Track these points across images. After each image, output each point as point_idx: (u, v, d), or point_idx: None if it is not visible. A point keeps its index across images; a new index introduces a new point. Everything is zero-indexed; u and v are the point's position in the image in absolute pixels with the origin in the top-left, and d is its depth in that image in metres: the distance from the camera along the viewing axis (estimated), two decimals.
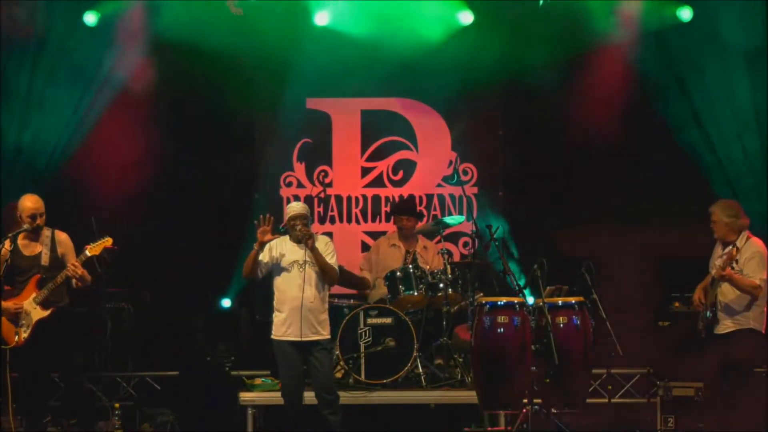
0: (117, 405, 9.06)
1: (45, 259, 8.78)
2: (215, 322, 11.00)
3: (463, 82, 11.39)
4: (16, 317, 8.69)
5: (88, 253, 8.72)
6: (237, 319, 11.10)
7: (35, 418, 8.98)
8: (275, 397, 9.23)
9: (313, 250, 8.58)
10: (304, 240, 8.57)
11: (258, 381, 9.91)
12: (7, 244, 8.68)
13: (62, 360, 8.82)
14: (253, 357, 10.40)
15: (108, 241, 8.75)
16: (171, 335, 10.83)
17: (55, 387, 9.60)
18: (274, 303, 8.74)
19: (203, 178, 11.34)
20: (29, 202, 8.79)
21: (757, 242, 8.85)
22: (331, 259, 8.70)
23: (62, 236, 8.88)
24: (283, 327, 8.62)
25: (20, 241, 8.78)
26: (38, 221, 8.75)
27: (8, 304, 8.68)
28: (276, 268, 8.70)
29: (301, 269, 8.63)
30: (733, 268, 8.66)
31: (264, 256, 8.67)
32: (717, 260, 8.87)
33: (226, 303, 11.13)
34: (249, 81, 11.41)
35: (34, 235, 8.79)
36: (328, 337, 8.77)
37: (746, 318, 8.76)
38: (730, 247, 8.74)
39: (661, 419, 9.57)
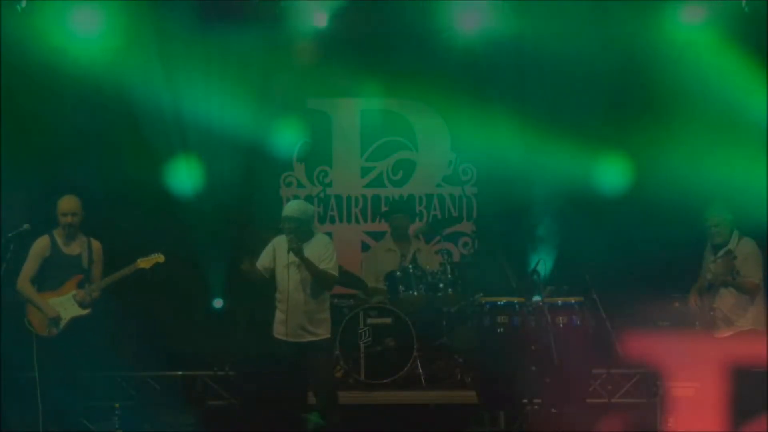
0: (117, 405, 9.07)
1: (85, 262, 8.97)
2: (212, 322, 10.98)
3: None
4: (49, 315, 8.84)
5: (139, 264, 8.97)
6: (234, 320, 11.07)
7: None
8: None
9: (302, 259, 8.47)
10: (289, 249, 8.48)
11: None
12: (45, 240, 8.90)
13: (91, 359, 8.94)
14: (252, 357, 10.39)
15: (161, 258, 9.03)
16: (170, 336, 10.82)
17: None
18: (275, 302, 8.71)
19: (204, 178, 11.33)
20: (63, 203, 8.95)
21: (749, 242, 8.87)
22: (329, 263, 8.57)
23: (97, 245, 9.09)
24: (281, 327, 8.61)
25: (59, 239, 8.96)
26: (69, 219, 8.89)
27: (47, 304, 8.82)
28: (276, 268, 8.67)
29: (296, 270, 8.56)
30: (734, 278, 8.65)
31: (267, 257, 8.67)
32: (711, 264, 8.87)
33: (218, 303, 11.10)
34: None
35: (71, 235, 8.95)
36: (327, 336, 8.70)
37: (745, 320, 8.78)
38: (724, 249, 8.76)
39: (661, 419, 9.55)
